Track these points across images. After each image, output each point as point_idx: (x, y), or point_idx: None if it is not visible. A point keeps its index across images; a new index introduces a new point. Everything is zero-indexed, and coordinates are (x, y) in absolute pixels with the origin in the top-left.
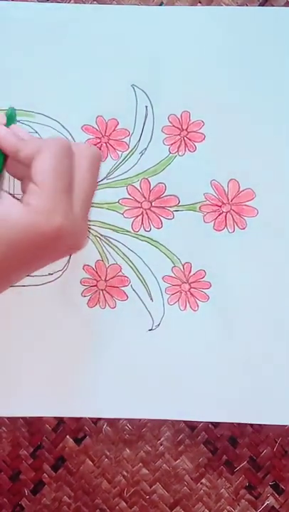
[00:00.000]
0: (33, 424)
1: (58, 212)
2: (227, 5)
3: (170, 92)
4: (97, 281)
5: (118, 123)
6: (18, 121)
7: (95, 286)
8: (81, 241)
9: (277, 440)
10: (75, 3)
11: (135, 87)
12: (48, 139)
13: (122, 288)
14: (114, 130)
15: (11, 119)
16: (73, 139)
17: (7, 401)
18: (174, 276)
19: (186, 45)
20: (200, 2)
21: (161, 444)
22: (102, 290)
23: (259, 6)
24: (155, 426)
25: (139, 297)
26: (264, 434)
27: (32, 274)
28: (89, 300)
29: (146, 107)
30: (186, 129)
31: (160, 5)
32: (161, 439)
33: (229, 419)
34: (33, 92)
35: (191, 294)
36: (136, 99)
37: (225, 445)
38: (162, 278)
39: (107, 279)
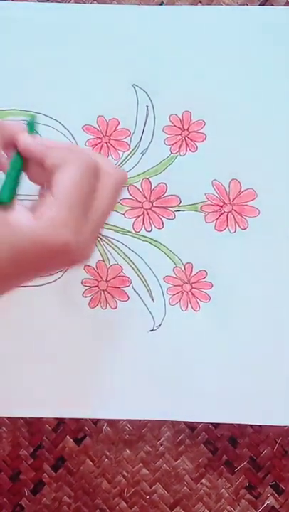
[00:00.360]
0: (33, 424)
1: (69, 229)
2: (227, 4)
3: (171, 91)
4: (98, 282)
5: (119, 123)
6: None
7: (96, 286)
8: (85, 259)
9: (278, 440)
10: (75, 2)
11: (136, 87)
12: (76, 151)
13: (123, 288)
14: (115, 130)
15: (31, 127)
16: (74, 139)
17: (7, 401)
18: (175, 276)
19: (186, 44)
20: (200, 2)
21: (161, 445)
22: (103, 290)
23: (259, 5)
24: (155, 426)
25: (141, 298)
26: (264, 434)
27: None
28: (90, 300)
29: (147, 106)
30: (188, 129)
31: (160, 4)
32: (162, 440)
33: (230, 420)
34: (33, 92)
35: (192, 294)
36: (137, 99)
37: (225, 445)
38: (163, 278)
39: (108, 279)
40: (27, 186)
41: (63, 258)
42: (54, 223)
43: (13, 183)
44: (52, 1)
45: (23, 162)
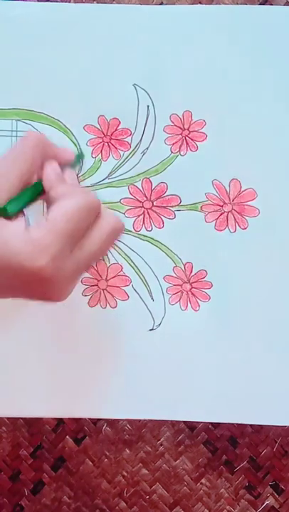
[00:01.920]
0: (33, 424)
1: (47, 254)
2: (227, 4)
3: (171, 91)
4: (98, 281)
5: (120, 122)
6: (20, 120)
7: (96, 285)
8: (59, 294)
9: (277, 440)
10: (75, 2)
11: (137, 87)
12: (82, 189)
13: (123, 288)
14: (116, 130)
15: (77, 159)
16: (75, 138)
17: (7, 401)
18: (175, 276)
19: (186, 44)
20: (200, 2)
21: (161, 445)
22: (103, 290)
23: (259, 5)
24: (155, 426)
25: (140, 297)
26: (264, 434)
27: None
28: (90, 299)
29: (148, 106)
30: (188, 129)
31: (160, 4)
32: (161, 440)
33: (230, 419)
34: (34, 91)
35: (192, 294)
36: (137, 98)
37: (225, 445)
38: (163, 278)
39: (108, 278)
40: None
41: (36, 284)
42: (35, 244)
43: (25, 198)
44: (52, 1)
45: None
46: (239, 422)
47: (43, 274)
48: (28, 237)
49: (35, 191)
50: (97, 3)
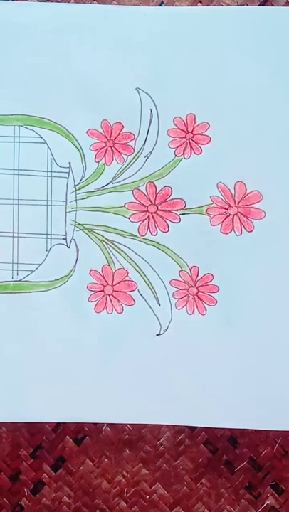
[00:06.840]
0: (33, 424)
1: None
2: (227, 5)
3: (174, 94)
4: (104, 286)
5: (123, 127)
6: (22, 125)
7: (102, 291)
8: None
9: (277, 440)
10: (76, 2)
11: (139, 90)
12: None
13: (129, 293)
14: (119, 134)
15: None
16: (78, 143)
17: (12, 406)
18: (181, 280)
19: (189, 46)
20: (200, 2)
21: (161, 445)
22: (109, 295)
23: (259, 5)
24: (155, 426)
25: (147, 302)
26: (264, 434)
27: (38, 280)
28: (96, 305)
29: (151, 109)
30: (192, 132)
31: (160, 5)
32: (161, 440)
33: (236, 425)
34: (37, 96)
35: (198, 298)
36: (140, 102)
37: (225, 445)
38: (169, 282)
39: (114, 283)
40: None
41: None
42: None
43: None
44: (52, 1)
45: None
46: (246, 428)
47: None
48: None
49: None
50: (98, 3)
